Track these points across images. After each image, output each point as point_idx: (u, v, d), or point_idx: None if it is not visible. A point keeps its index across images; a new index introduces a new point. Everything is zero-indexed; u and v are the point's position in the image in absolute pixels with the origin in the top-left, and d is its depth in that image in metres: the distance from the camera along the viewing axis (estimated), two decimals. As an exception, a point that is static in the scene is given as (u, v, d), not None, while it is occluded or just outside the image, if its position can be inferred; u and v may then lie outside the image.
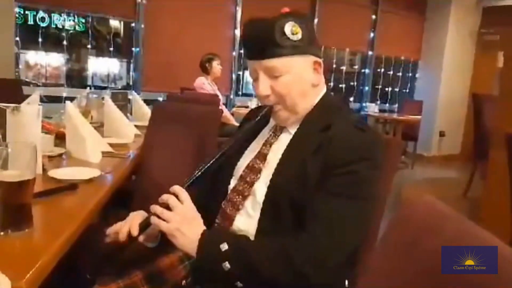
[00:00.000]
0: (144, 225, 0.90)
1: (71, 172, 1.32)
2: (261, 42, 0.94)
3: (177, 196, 0.87)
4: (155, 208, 0.87)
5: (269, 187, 0.93)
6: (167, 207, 0.87)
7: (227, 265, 0.82)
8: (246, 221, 0.96)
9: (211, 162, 0.94)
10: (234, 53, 5.22)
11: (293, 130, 1.01)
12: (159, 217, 0.86)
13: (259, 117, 1.01)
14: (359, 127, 0.93)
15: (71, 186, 1.18)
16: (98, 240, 0.99)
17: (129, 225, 0.90)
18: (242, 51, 5.34)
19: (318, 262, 0.82)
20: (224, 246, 0.83)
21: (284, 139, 1.01)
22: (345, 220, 0.86)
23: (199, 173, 0.93)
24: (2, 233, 0.84)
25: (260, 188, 0.95)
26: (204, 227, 0.89)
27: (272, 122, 1.08)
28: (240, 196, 0.98)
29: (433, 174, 5.38)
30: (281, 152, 0.97)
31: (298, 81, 0.96)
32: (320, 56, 1.01)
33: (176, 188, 0.89)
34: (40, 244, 0.84)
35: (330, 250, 0.83)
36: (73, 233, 0.92)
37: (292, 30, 0.93)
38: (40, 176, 1.23)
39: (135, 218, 0.92)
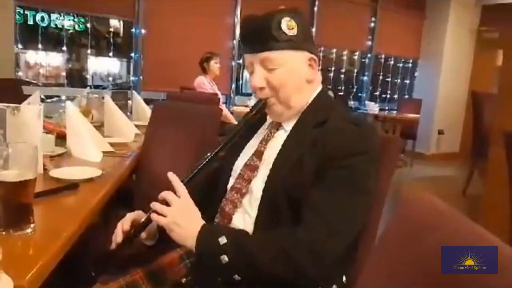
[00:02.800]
0: (144, 223, 0.93)
1: (71, 172, 1.32)
2: (258, 36, 0.96)
3: (175, 193, 0.90)
4: (154, 205, 0.89)
5: (266, 184, 0.94)
6: (167, 204, 0.89)
7: (225, 258, 0.83)
8: (244, 218, 0.97)
9: (210, 157, 0.96)
10: (234, 52, 5.22)
11: (288, 128, 1.02)
12: (158, 214, 0.88)
13: (255, 112, 1.02)
14: (354, 122, 0.95)
15: (72, 185, 1.18)
16: (99, 239, 1.00)
17: (128, 224, 0.95)
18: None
19: (314, 253, 0.82)
20: (223, 240, 0.84)
21: (280, 137, 1.02)
22: (341, 212, 0.86)
23: (198, 168, 0.95)
24: (3, 232, 0.84)
25: (257, 185, 0.97)
26: (203, 221, 0.90)
27: (268, 121, 1.09)
28: (238, 194, 0.99)
29: (432, 173, 5.39)
30: (278, 149, 0.98)
31: (292, 75, 0.98)
32: (316, 53, 1.02)
33: (175, 183, 0.91)
34: (41, 243, 0.85)
35: (326, 241, 0.83)
36: (74, 233, 0.93)
37: (288, 25, 0.95)
38: (41, 175, 1.23)
39: (125, 221, 0.97)
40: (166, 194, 0.89)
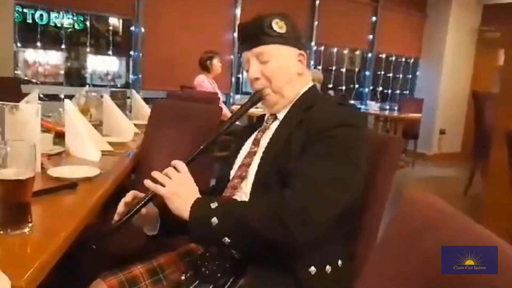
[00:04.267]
0: (148, 198, 0.99)
1: (70, 171, 1.31)
2: (253, 34, 1.09)
3: (176, 169, 0.98)
4: (155, 173, 0.96)
5: (259, 165, 1.03)
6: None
7: (215, 220, 0.89)
8: (241, 198, 1.03)
9: (211, 140, 1.07)
10: (233, 51, 5.21)
11: (281, 116, 1.11)
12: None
13: (248, 105, 1.12)
14: (340, 104, 1.06)
15: (71, 184, 1.18)
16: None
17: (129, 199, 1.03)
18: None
19: (298, 213, 0.86)
20: (214, 204, 0.91)
21: (274, 125, 1.11)
22: (324, 177, 0.90)
23: (199, 149, 1.04)
24: (1, 232, 0.84)
25: (254, 168, 1.05)
26: (199, 195, 0.96)
27: (266, 116, 1.17)
28: (239, 179, 1.07)
29: (433, 173, 5.39)
30: (271, 135, 1.08)
31: (284, 67, 1.09)
32: (304, 50, 1.14)
33: (176, 162, 0.99)
34: (39, 243, 0.84)
35: (311, 203, 0.87)
36: (72, 232, 0.92)
37: (278, 25, 1.08)
38: (39, 174, 1.22)
39: (127, 196, 1.03)
40: (167, 169, 0.97)
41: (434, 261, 0.59)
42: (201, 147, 1.05)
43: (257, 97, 1.10)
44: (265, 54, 1.07)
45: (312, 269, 0.92)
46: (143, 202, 0.98)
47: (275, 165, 0.98)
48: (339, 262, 0.97)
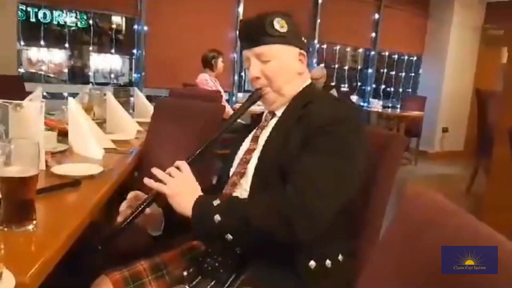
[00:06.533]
0: (151, 199, 0.98)
1: (73, 168, 1.32)
2: (254, 33, 1.09)
3: (178, 169, 0.98)
4: (157, 172, 0.97)
5: (258, 160, 1.04)
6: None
7: (218, 217, 0.89)
8: (241, 195, 1.03)
9: (213, 139, 1.08)
10: (236, 49, 5.21)
11: (279, 113, 1.12)
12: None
13: (249, 103, 1.13)
14: (338, 100, 1.08)
15: (74, 182, 1.18)
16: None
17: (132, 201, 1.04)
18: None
19: (300, 209, 0.86)
20: (216, 202, 0.92)
21: (273, 122, 1.12)
22: (324, 173, 0.92)
23: (201, 149, 1.05)
24: (6, 228, 0.84)
25: (252, 164, 1.05)
26: (201, 193, 0.97)
27: (264, 113, 1.18)
28: (239, 176, 1.07)
29: (436, 170, 5.37)
30: (269, 131, 1.09)
31: (284, 67, 1.09)
32: (305, 49, 1.14)
33: (179, 162, 0.99)
34: (43, 240, 0.85)
35: (313, 199, 0.88)
36: (76, 229, 0.93)
37: (280, 24, 1.07)
38: (43, 172, 1.23)
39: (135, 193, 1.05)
40: (169, 169, 0.98)
41: (436, 257, 0.59)
42: (203, 147, 1.06)
43: (256, 96, 1.11)
44: (265, 54, 1.07)
45: (312, 263, 0.93)
46: (146, 202, 0.98)
47: (274, 162, 0.99)
48: (340, 257, 0.97)
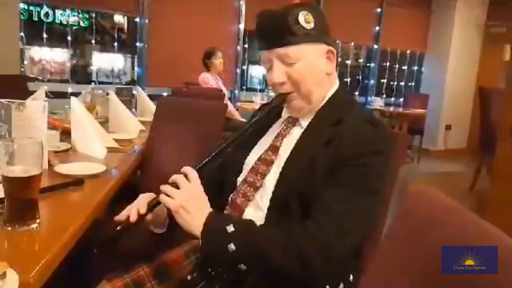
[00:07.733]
0: (152, 204, 0.92)
1: (77, 168, 1.32)
2: (276, 31, 0.95)
3: (186, 176, 0.89)
4: (164, 186, 0.88)
5: (278, 180, 0.94)
6: (177, 187, 0.88)
7: (232, 246, 0.82)
8: (255, 212, 0.97)
9: (224, 146, 0.95)
10: (239, 48, 5.20)
11: (305, 123, 1.01)
12: (167, 196, 0.87)
13: (267, 111, 1.01)
14: (370, 122, 0.94)
15: (77, 181, 1.19)
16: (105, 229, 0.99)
17: (138, 204, 0.91)
18: (246, 46, 5.33)
19: (322, 250, 0.81)
20: (230, 228, 0.83)
21: (296, 132, 1.01)
22: (352, 211, 0.85)
23: (211, 156, 0.94)
24: (9, 228, 0.85)
25: (271, 180, 0.96)
26: (211, 209, 0.89)
27: (284, 116, 1.07)
28: (252, 188, 0.98)
29: (439, 168, 5.35)
30: (293, 144, 0.98)
31: (312, 69, 0.97)
32: (333, 45, 1.01)
33: (187, 168, 0.90)
34: (47, 239, 0.85)
35: (334, 240, 0.82)
36: (79, 228, 0.93)
37: (305, 18, 0.94)
38: (46, 171, 1.23)
39: (143, 198, 0.94)
40: (176, 177, 0.88)
41: (438, 255, 0.59)
42: (214, 153, 0.95)
43: (279, 101, 1.00)
44: (290, 56, 0.94)
45: None
46: (146, 212, 0.92)
47: (295, 185, 0.91)
48: (351, 277, 0.95)
